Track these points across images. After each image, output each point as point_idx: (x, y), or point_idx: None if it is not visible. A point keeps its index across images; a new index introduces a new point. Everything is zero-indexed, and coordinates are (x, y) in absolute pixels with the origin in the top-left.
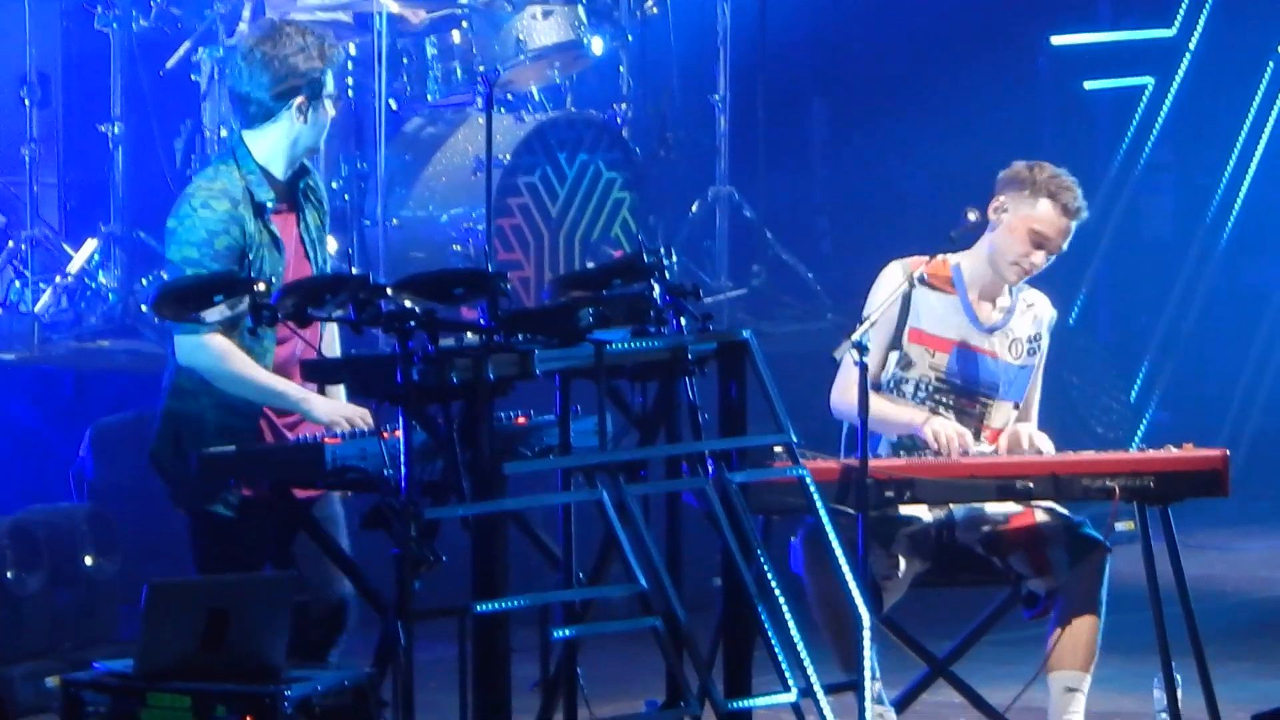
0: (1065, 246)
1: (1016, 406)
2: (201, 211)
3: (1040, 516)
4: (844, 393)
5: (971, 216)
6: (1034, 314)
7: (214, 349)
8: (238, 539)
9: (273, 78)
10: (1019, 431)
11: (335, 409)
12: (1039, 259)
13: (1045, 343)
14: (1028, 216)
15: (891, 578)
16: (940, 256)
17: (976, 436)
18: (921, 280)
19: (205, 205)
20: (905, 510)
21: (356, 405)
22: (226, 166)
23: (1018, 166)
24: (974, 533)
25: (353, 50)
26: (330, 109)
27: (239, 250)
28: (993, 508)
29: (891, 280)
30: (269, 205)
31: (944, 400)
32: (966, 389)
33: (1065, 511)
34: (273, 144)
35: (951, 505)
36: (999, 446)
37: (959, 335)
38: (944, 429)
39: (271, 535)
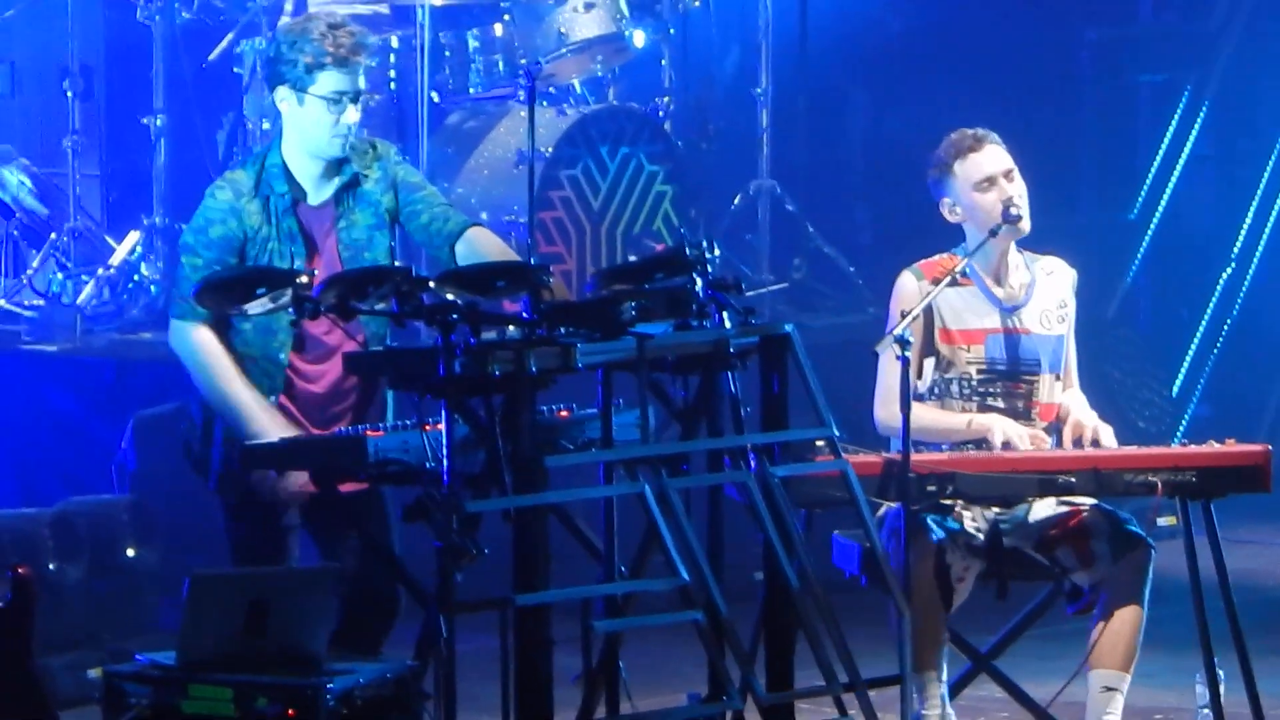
0: (1014, 165)
1: (1058, 378)
2: (207, 200)
3: (1086, 510)
4: (888, 407)
5: (947, 215)
6: (1055, 280)
7: (193, 339)
8: (269, 522)
9: (279, 52)
10: (1082, 424)
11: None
12: (1009, 189)
13: (1072, 306)
14: (965, 182)
15: (965, 579)
16: (947, 253)
17: (1028, 415)
18: (938, 280)
19: (211, 195)
20: (958, 518)
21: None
22: (254, 158)
23: (929, 175)
24: (1024, 538)
25: (395, 43)
26: (353, 112)
27: (235, 241)
28: (1039, 515)
29: (908, 287)
30: (282, 198)
31: (991, 390)
32: (1010, 372)
33: (1110, 507)
34: (294, 138)
35: (998, 515)
36: (1064, 438)
37: (989, 323)
38: (1012, 432)
39: (315, 524)
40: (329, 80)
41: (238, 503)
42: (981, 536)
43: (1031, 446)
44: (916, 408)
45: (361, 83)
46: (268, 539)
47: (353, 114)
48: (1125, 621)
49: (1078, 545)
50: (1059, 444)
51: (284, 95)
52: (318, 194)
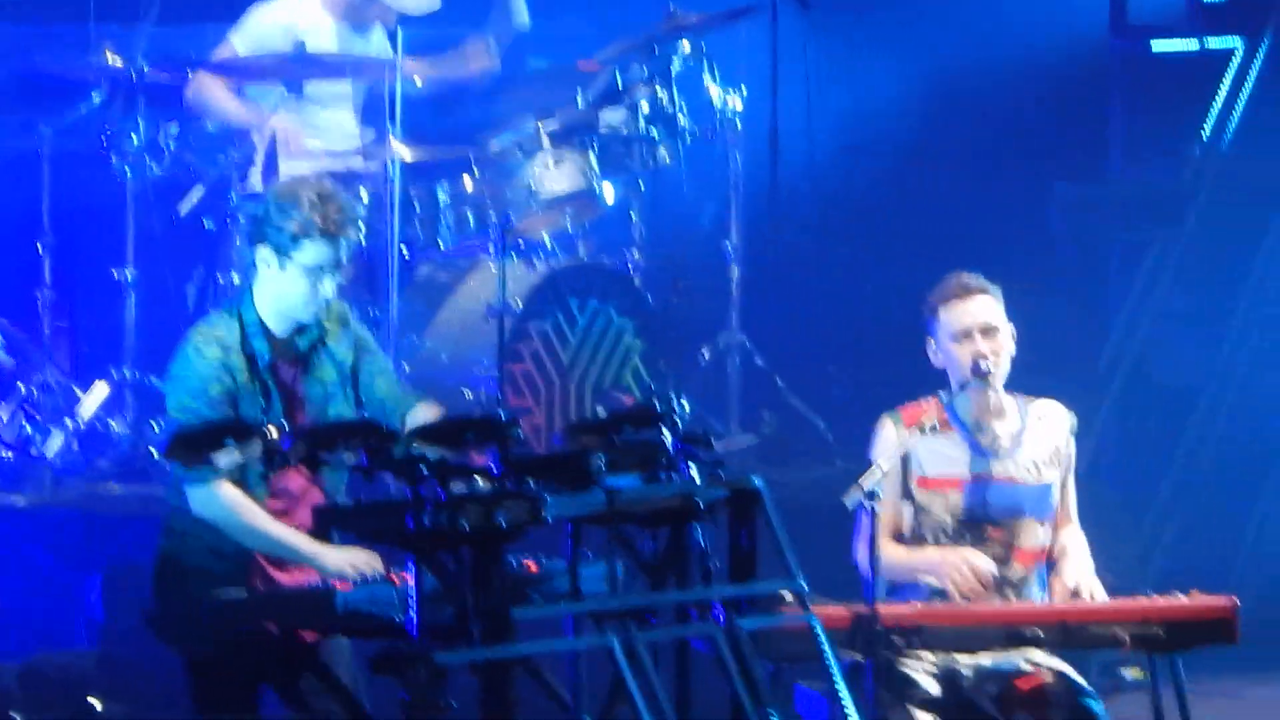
0: (998, 321)
1: (1043, 523)
2: (194, 359)
3: (1048, 678)
4: (864, 555)
5: (930, 356)
6: (1048, 425)
7: (225, 500)
8: (230, 674)
9: (267, 213)
10: (1080, 587)
11: (346, 559)
12: (983, 346)
13: (1071, 448)
14: (945, 330)
15: None
16: (930, 398)
17: (1007, 560)
18: (921, 430)
19: (198, 352)
20: (912, 669)
21: (365, 550)
22: (230, 314)
23: (923, 311)
24: (981, 691)
25: (364, 197)
26: (330, 285)
27: (231, 396)
28: (998, 661)
29: (888, 433)
30: (263, 357)
31: (966, 536)
32: (987, 519)
33: (1074, 676)
34: (268, 297)
35: (960, 662)
36: (1053, 595)
37: (967, 471)
38: (959, 577)
39: (277, 672)
40: (312, 251)
41: (196, 659)
42: (937, 685)
43: (971, 575)
44: (890, 547)
45: (344, 255)
46: (231, 694)
47: (329, 286)
48: None
49: (1035, 713)
50: (1045, 585)
51: (265, 256)
52: (289, 350)
